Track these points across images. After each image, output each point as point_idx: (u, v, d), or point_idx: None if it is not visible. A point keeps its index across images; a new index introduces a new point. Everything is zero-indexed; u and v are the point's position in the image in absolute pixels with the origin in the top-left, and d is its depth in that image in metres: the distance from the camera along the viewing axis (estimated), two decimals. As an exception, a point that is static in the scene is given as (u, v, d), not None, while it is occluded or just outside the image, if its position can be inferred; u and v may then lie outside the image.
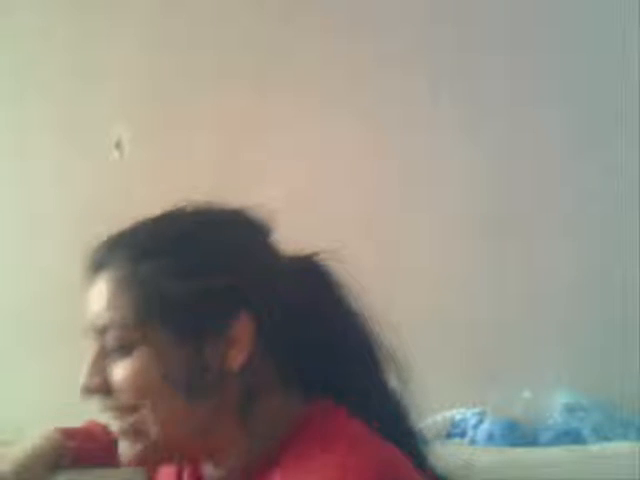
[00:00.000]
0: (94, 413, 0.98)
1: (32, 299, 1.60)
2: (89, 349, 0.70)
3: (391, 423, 0.71)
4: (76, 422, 0.96)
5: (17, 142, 1.63)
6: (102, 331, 0.68)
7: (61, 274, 1.61)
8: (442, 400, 1.53)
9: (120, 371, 0.67)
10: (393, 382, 0.75)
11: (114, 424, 0.70)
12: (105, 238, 0.72)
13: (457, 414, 1.58)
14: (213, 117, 1.65)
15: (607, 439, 1.48)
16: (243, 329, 0.67)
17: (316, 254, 0.77)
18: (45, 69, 1.63)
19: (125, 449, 0.70)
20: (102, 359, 0.68)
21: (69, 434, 0.92)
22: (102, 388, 0.68)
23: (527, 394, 1.64)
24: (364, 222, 1.61)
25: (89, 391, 0.68)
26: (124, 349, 0.67)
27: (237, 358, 0.67)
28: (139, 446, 0.68)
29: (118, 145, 1.63)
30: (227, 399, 0.68)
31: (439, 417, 1.56)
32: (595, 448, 1.26)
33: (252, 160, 1.61)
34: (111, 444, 0.93)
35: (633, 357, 1.60)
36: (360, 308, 0.76)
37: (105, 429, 0.94)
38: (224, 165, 1.62)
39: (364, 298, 0.76)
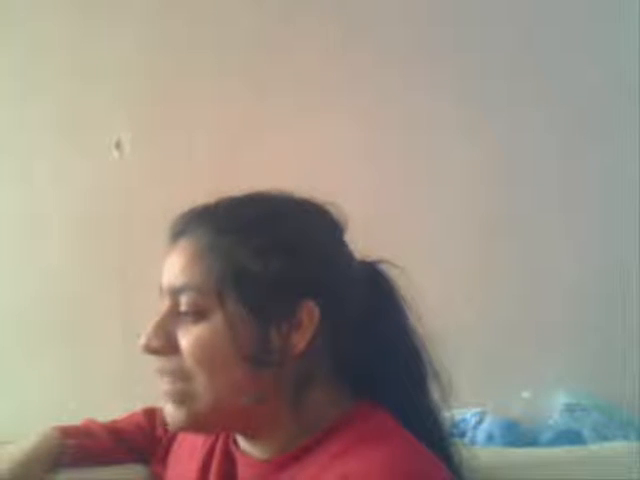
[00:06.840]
0: (93, 412, 0.99)
1: (32, 299, 1.60)
2: (159, 309, 0.72)
3: (427, 436, 0.72)
4: (76, 422, 0.96)
5: (17, 142, 1.63)
6: (178, 292, 0.70)
7: (61, 274, 1.62)
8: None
9: (191, 335, 0.69)
10: (434, 396, 0.77)
11: (164, 386, 0.71)
12: (189, 208, 0.74)
13: (457, 414, 1.58)
14: (213, 117, 1.65)
15: (607, 439, 1.48)
16: (308, 316, 0.69)
17: (383, 261, 0.80)
18: (45, 69, 1.63)
19: (170, 413, 0.71)
20: (170, 321, 0.70)
21: (68, 432, 0.91)
22: (164, 349, 0.70)
23: (527, 394, 1.64)
24: (364, 222, 1.61)
25: (150, 350, 0.70)
26: (198, 314, 0.69)
27: (299, 342, 0.69)
28: (184, 412, 0.70)
29: (118, 145, 1.63)
30: (283, 381, 0.70)
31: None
32: (595, 448, 1.26)
33: (252, 160, 1.61)
34: (110, 442, 0.93)
35: (633, 357, 1.60)
36: (415, 322, 0.78)
37: (103, 427, 0.95)
38: (224, 165, 1.62)
39: (418, 312, 0.78)
